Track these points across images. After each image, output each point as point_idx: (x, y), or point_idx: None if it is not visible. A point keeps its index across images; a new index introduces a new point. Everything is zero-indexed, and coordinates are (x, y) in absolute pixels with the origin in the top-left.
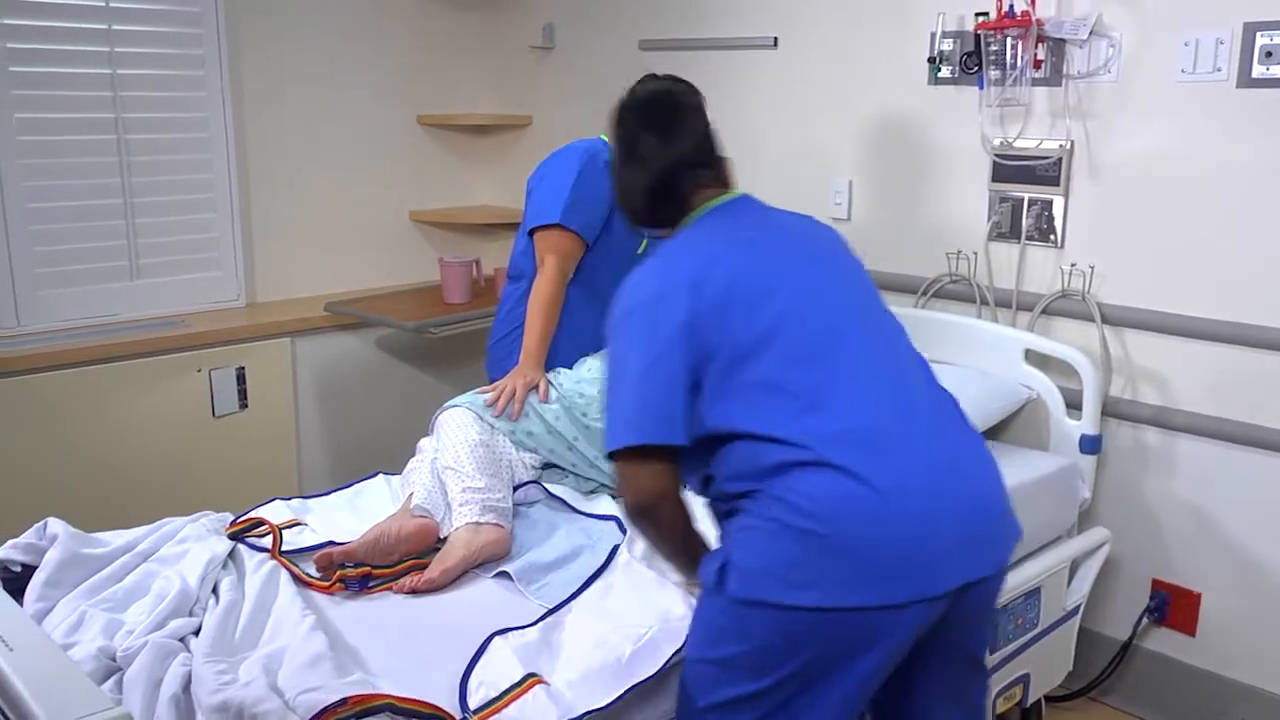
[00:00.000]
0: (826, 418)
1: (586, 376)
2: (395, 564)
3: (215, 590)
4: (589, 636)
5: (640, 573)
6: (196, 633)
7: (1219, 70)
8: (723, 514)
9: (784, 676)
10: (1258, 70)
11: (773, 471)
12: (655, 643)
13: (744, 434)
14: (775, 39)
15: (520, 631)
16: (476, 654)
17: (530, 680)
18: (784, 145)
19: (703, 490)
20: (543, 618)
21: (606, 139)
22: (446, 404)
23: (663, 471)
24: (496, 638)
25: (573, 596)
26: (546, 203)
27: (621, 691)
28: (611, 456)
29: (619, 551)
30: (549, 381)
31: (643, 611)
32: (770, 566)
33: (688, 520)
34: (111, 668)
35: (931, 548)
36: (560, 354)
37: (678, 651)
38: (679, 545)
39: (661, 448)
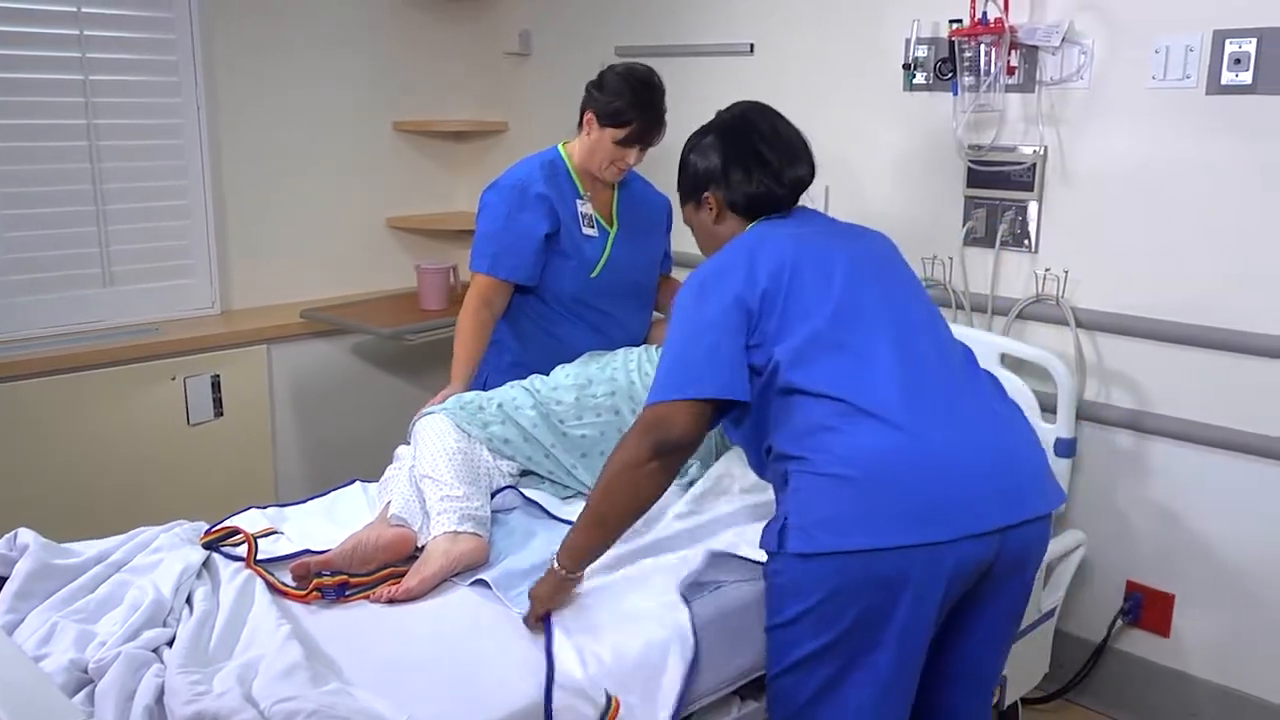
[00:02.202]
0: (871, 379)
1: (563, 383)
2: (372, 573)
3: (189, 600)
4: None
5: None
6: (170, 643)
7: (1189, 77)
8: (780, 484)
9: (845, 629)
10: (1226, 77)
11: (819, 429)
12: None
13: (798, 389)
14: (751, 45)
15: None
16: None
17: (614, 703)
18: None
19: (763, 462)
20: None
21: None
22: (424, 411)
23: (703, 418)
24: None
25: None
26: (478, 246)
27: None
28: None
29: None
30: (533, 390)
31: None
32: (822, 519)
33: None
34: (83, 680)
35: (970, 489)
36: (534, 370)
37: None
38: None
39: (710, 401)
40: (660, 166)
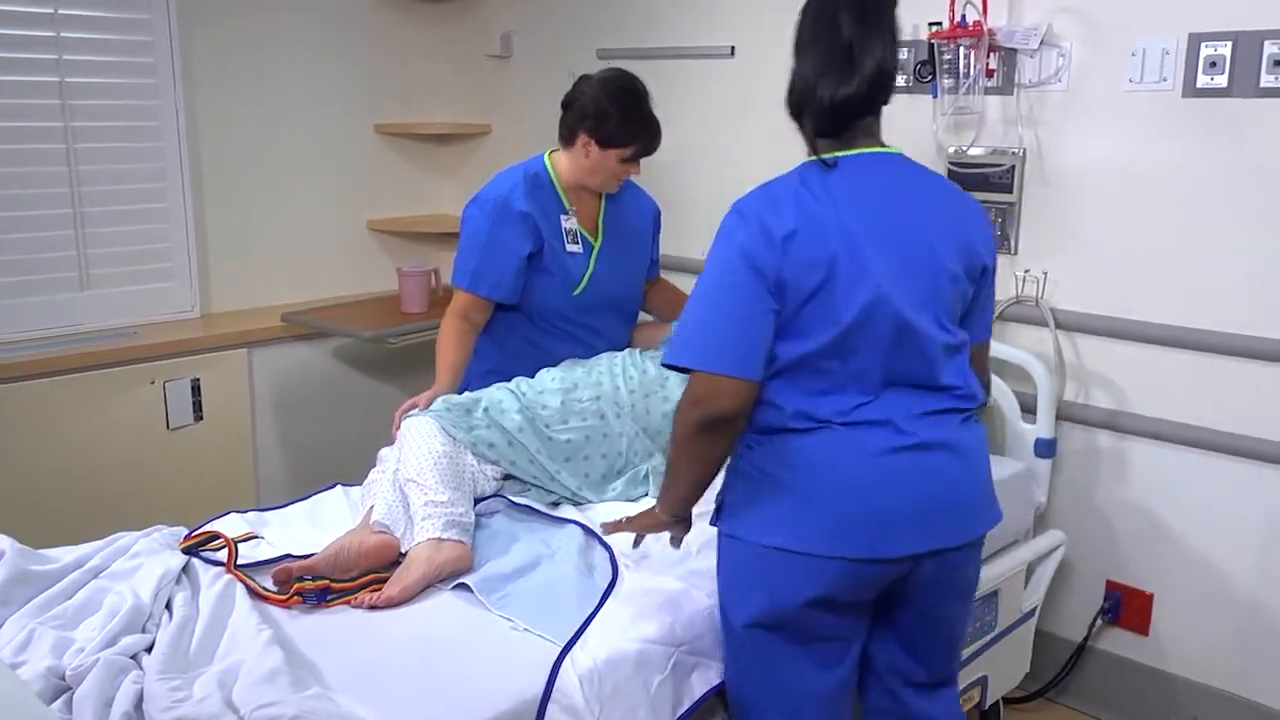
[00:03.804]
0: (816, 397)
1: (549, 387)
2: (354, 579)
3: (169, 606)
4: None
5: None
6: (149, 649)
7: (1165, 80)
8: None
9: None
10: (1202, 80)
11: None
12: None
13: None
14: (732, 48)
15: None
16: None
17: None
18: (742, 153)
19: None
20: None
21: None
22: (408, 411)
23: (739, 389)
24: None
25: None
26: (459, 262)
27: None
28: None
29: (619, 574)
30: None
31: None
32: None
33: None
34: (61, 687)
35: (888, 513)
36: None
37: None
38: (712, 474)
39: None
40: (658, 169)
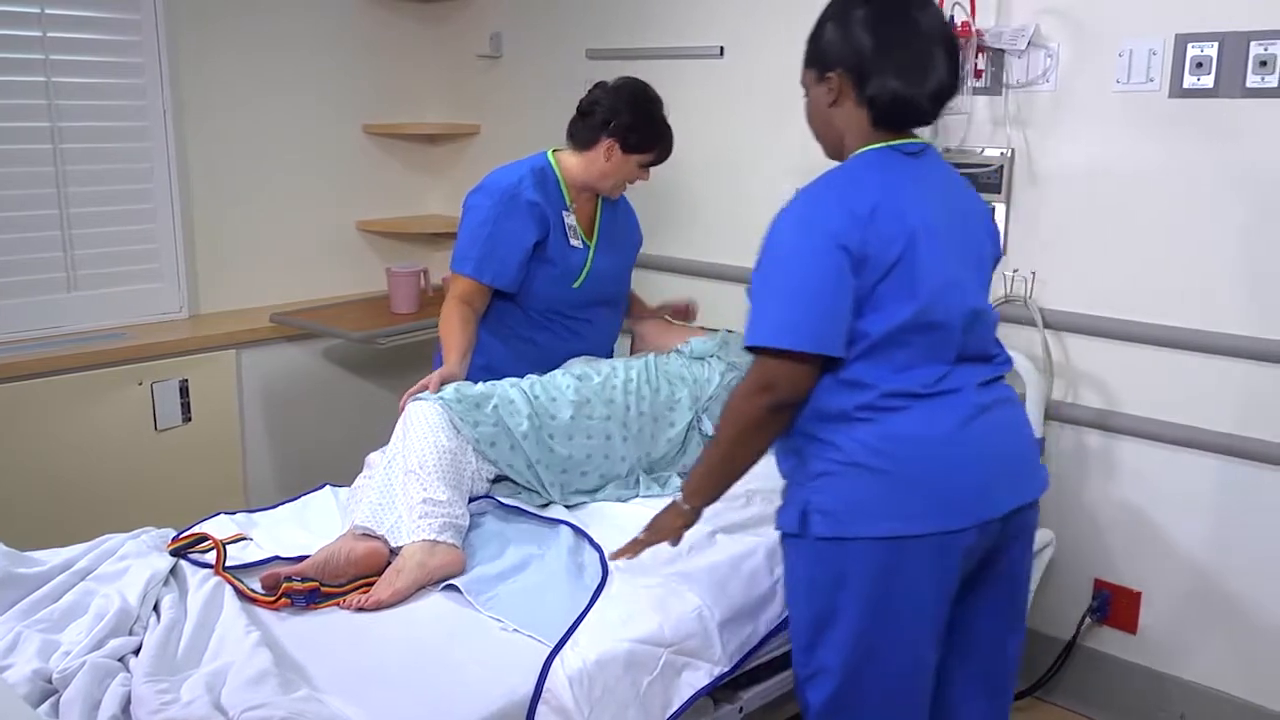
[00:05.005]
0: (904, 372)
1: (564, 396)
2: (343, 585)
3: (156, 608)
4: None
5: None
6: (136, 652)
7: (1152, 80)
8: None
9: (861, 608)
10: (1189, 81)
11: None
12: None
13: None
14: (721, 48)
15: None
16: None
17: None
18: (731, 153)
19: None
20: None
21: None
22: (419, 394)
23: (814, 374)
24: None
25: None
26: (462, 249)
27: None
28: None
29: (609, 574)
30: (533, 389)
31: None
32: (848, 504)
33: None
34: (48, 690)
35: (981, 480)
36: (506, 373)
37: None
38: (755, 462)
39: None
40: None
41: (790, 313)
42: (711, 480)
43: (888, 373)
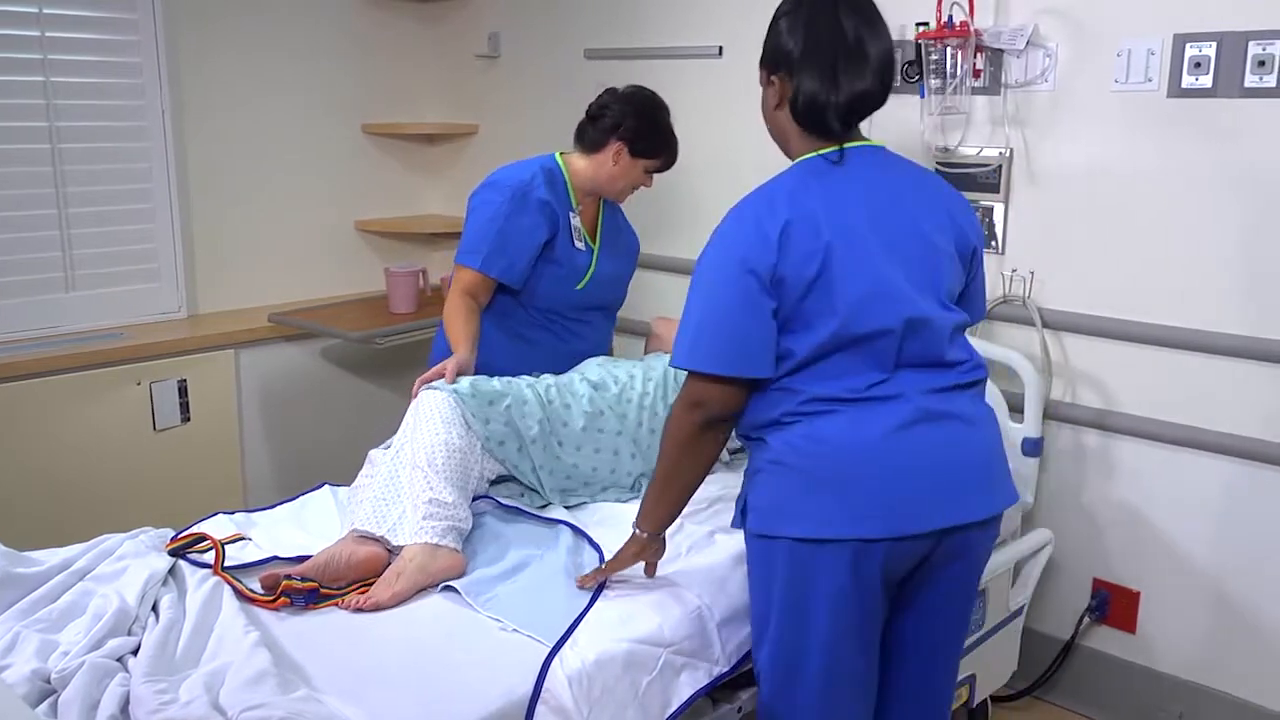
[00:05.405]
0: (834, 379)
1: (578, 404)
2: (343, 588)
3: (155, 608)
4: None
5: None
6: (135, 652)
7: (1150, 80)
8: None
9: (781, 608)
10: (1187, 81)
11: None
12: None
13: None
14: (720, 48)
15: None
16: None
17: None
18: (730, 153)
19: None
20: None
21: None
22: (431, 382)
23: (742, 392)
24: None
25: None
26: (470, 243)
27: None
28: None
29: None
30: (557, 388)
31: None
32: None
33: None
34: (46, 690)
35: (906, 493)
36: (499, 372)
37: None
38: (703, 476)
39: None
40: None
41: (708, 337)
42: (659, 502)
43: (813, 381)
